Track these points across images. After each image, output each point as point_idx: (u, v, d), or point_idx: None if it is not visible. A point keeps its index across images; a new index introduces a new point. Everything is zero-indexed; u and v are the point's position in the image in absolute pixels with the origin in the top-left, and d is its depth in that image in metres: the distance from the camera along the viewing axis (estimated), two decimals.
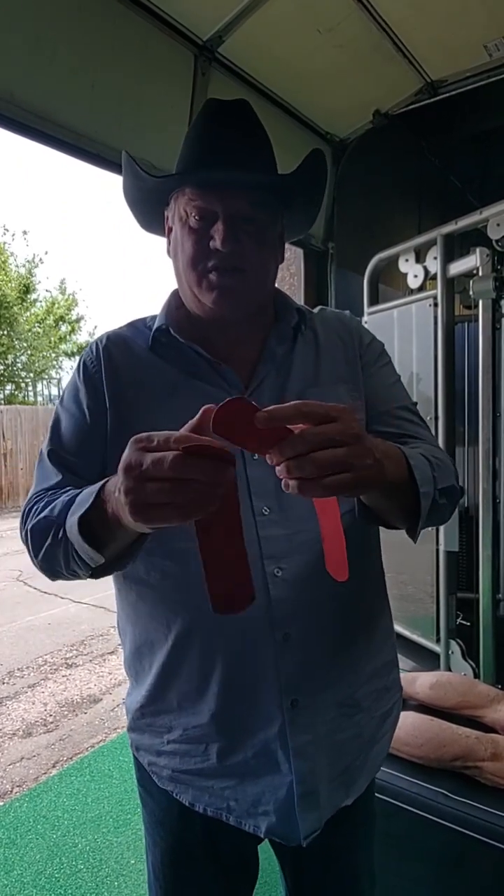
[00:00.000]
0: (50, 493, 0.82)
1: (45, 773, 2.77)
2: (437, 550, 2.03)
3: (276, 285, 0.96)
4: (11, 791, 2.64)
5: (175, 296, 0.93)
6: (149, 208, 0.92)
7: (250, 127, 0.86)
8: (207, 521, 0.56)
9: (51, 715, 3.42)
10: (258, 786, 0.82)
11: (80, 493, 0.72)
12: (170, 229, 0.88)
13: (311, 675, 0.82)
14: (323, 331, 0.95)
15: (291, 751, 0.80)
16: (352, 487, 0.57)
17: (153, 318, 0.92)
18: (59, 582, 0.83)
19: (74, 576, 0.76)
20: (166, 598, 0.83)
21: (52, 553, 0.75)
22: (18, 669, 4.09)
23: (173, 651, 0.83)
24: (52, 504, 0.77)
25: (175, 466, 0.52)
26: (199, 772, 0.84)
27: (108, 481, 0.67)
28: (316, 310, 0.98)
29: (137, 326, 0.93)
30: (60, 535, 0.72)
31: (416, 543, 0.80)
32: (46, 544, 0.75)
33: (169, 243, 0.89)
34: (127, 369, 0.87)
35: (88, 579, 0.76)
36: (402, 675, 1.00)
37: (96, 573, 0.73)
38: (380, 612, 0.95)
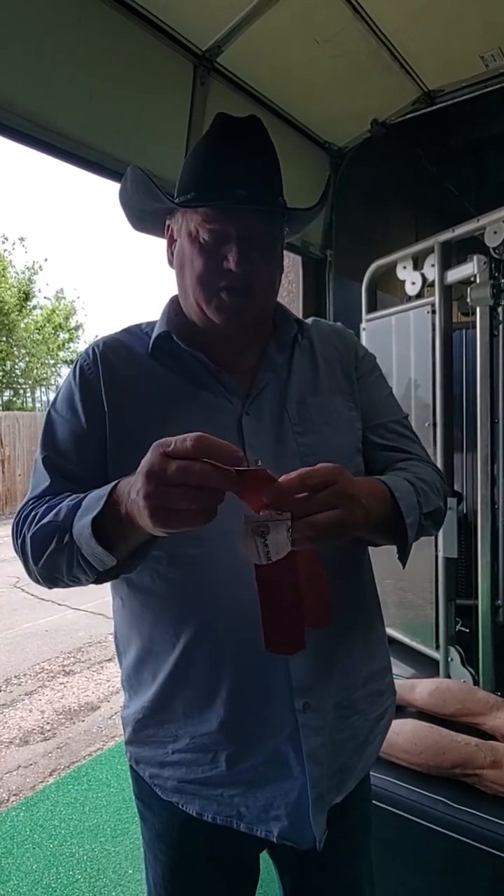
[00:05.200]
0: (45, 499, 0.81)
1: (42, 782, 2.75)
2: (436, 557, 2.03)
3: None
4: (8, 800, 2.62)
5: (174, 303, 0.92)
6: (145, 213, 0.91)
7: (265, 147, 0.85)
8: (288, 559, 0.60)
9: (48, 723, 3.40)
10: (267, 791, 0.82)
11: (86, 497, 0.72)
12: (173, 239, 0.88)
13: (319, 677, 0.82)
14: (319, 341, 0.96)
15: (305, 754, 0.80)
16: (339, 539, 0.64)
17: (150, 324, 0.92)
18: (57, 589, 0.82)
19: (75, 582, 0.75)
20: (174, 606, 0.82)
21: (55, 559, 0.74)
22: (15, 677, 4.07)
23: (180, 659, 0.82)
24: (55, 509, 0.76)
25: (202, 475, 0.56)
26: (206, 780, 0.84)
27: (119, 483, 0.67)
28: (309, 321, 0.99)
29: (135, 332, 0.92)
30: (66, 539, 0.72)
31: (404, 568, 0.83)
32: (49, 549, 0.74)
33: (171, 254, 0.89)
34: (125, 375, 0.86)
35: (89, 585, 0.76)
36: (401, 682, 1.00)
37: (101, 577, 0.73)
38: (375, 617, 0.97)
